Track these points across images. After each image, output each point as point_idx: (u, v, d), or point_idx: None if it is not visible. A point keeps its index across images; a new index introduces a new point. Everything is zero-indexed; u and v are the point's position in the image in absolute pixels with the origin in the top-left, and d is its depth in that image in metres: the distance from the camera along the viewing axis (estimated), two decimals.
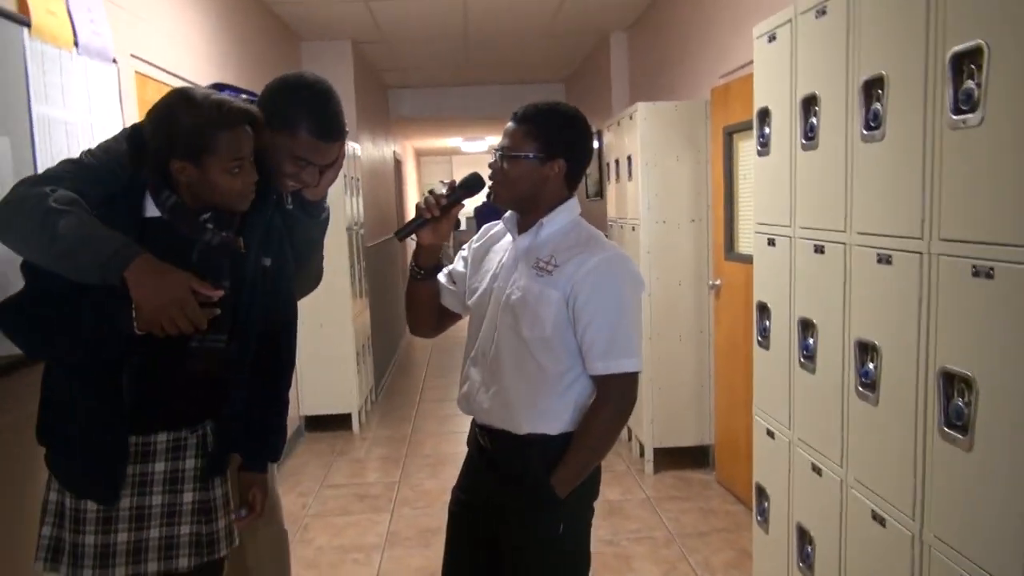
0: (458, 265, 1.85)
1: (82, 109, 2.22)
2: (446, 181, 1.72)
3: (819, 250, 2.05)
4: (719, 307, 3.89)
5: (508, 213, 1.76)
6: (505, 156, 1.65)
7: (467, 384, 1.75)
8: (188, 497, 1.54)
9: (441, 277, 1.84)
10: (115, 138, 1.61)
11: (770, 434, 2.42)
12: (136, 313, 1.39)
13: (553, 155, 1.64)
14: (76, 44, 2.20)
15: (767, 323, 2.41)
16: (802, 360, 2.17)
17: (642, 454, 4.17)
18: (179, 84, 3.17)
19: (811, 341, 2.12)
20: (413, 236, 1.72)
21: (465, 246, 1.87)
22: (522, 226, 1.72)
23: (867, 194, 1.83)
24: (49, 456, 1.53)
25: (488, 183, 1.71)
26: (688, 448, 4.15)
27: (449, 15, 5.09)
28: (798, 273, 2.19)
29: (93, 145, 1.62)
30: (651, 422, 4.06)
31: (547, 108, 1.67)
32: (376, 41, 5.73)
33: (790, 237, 2.22)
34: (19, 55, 1.93)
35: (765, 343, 2.43)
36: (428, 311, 1.86)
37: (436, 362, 7.35)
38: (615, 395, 1.63)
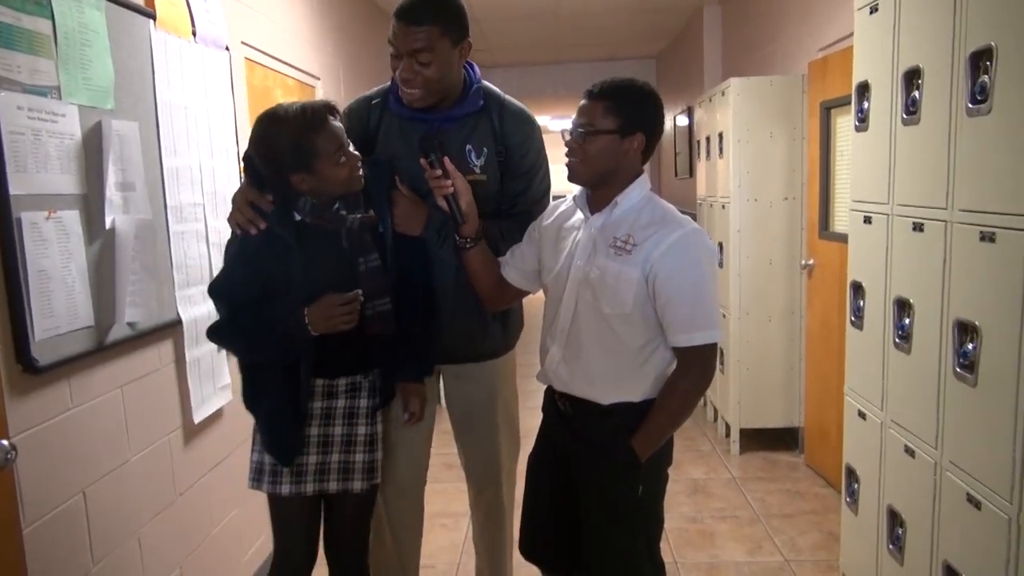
0: (522, 243, 1.89)
1: (198, 93, 2.39)
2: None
3: (918, 228, 1.99)
4: (812, 287, 3.80)
5: (578, 190, 1.79)
6: (586, 134, 1.67)
7: (547, 358, 1.84)
8: (362, 430, 1.82)
9: (507, 255, 1.90)
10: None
11: (861, 415, 2.37)
12: (309, 326, 1.72)
13: (633, 129, 1.67)
14: (194, 34, 2.37)
15: (861, 303, 2.36)
16: (897, 340, 2.12)
17: (728, 434, 4.14)
18: (283, 68, 3.34)
19: (907, 321, 2.07)
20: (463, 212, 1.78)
21: (532, 224, 1.90)
22: (595, 203, 1.74)
23: (971, 170, 1.77)
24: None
25: (438, 137, 1.76)
26: (775, 430, 4.09)
27: None
28: (895, 251, 2.14)
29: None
30: (738, 403, 4.02)
31: (624, 83, 1.70)
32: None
33: (887, 215, 2.16)
34: (146, 46, 2.10)
35: (859, 323, 2.39)
36: (485, 279, 1.88)
37: (523, 340, 7.43)
38: (696, 365, 1.67)
